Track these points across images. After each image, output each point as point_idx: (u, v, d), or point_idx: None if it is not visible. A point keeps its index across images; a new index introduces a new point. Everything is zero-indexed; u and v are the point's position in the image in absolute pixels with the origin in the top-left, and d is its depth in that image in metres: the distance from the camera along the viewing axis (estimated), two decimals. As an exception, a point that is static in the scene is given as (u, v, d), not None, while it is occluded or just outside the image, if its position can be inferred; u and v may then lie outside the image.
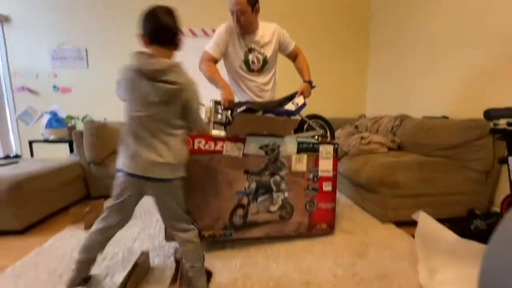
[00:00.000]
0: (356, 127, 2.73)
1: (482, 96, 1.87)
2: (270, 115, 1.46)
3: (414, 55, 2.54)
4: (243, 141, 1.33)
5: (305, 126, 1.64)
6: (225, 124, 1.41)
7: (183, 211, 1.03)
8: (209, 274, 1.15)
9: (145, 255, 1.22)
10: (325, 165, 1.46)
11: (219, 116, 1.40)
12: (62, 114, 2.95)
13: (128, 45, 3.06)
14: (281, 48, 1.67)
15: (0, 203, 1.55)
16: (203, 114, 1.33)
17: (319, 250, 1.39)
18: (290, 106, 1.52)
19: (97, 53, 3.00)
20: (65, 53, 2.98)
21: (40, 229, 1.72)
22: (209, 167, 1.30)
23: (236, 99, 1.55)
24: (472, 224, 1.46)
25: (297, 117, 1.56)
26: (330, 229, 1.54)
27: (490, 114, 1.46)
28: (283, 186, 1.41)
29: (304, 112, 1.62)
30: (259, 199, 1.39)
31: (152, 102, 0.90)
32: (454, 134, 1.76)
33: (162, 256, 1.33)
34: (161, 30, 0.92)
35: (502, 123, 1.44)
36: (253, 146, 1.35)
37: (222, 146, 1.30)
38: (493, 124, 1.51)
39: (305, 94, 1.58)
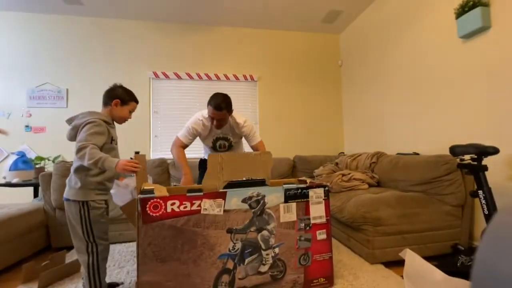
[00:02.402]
0: (337, 164, 2.81)
1: (448, 132, 2.05)
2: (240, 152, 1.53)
3: (381, 99, 2.81)
4: (223, 196, 1.21)
5: None
6: None
7: (83, 236, 1.17)
8: None
9: None
10: (317, 211, 1.35)
11: None
12: (32, 155, 2.76)
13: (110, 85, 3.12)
14: (245, 139, 1.91)
15: None
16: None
17: (308, 299, 1.28)
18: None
19: (78, 93, 2.99)
20: (44, 93, 2.93)
21: (-19, 291, 1.45)
22: (185, 231, 1.15)
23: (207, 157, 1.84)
24: (458, 261, 1.45)
25: None
26: (329, 283, 1.37)
27: (455, 151, 1.58)
28: (272, 241, 1.27)
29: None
30: (246, 260, 1.23)
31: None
32: (425, 170, 1.85)
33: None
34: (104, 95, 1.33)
35: (467, 158, 1.55)
36: (235, 200, 1.22)
37: (200, 205, 1.17)
38: (460, 160, 1.62)
39: None
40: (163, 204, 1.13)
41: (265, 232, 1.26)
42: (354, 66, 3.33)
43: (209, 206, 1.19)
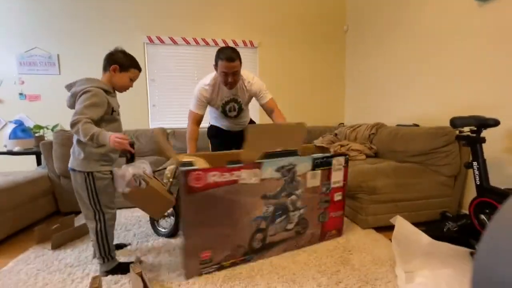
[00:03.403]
0: (336, 135, 2.82)
1: (449, 105, 2.02)
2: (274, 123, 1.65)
3: (387, 67, 2.71)
4: (260, 166, 1.29)
5: None
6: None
7: (90, 205, 1.19)
8: (120, 268, 1.26)
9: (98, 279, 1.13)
10: (337, 177, 1.52)
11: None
12: (30, 123, 2.74)
13: (102, 51, 2.96)
14: (255, 97, 1.77)
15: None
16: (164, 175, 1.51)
17: (303, 259, 1.39)
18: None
19: (70, 59, 2.86)
20: (35, 58, 2.80)
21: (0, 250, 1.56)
22: (225, 199, 1.23)
23: (215, 122, 1.92)
24: (445, 227, 1.54)
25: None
26: (338, 234, 1.61)
27: (455, 123, 1.57)
28: (299, 204, 1.42)
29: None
30: (277, 220, 1.38)
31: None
32: (424, 141, 1.87)
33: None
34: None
35: (466, 130, 1.55)
36: (269, 170, 1.31)
37: (238, 175, 1.24)
38: (459, 132, 1.63)
39: None
40: (204, 175, 1.17)
41: (293, 197, 1.40)
42: (361, 31, 3.14)
43: (246, 176, 1.25)
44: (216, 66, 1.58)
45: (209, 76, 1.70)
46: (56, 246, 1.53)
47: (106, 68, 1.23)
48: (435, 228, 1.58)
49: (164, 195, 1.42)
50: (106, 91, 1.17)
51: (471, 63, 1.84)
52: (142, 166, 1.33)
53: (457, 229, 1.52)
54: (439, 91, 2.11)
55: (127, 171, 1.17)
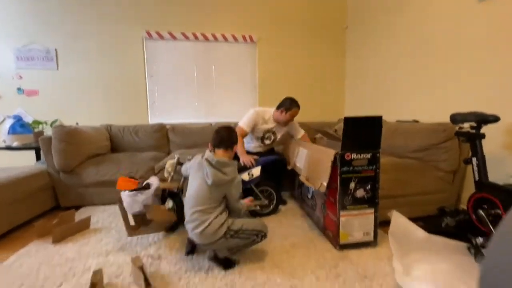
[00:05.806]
0: (336, 130, 2.82)
1: (449, 101, 2.02)
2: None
3: (386, 63, 2.69)
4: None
5: (253, 195, 1.86)
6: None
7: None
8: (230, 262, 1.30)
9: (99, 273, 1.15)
10: None
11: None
12: (28, 119, 2.73)
13: (101, 46, 2.94)
14: (291, 133, 2.26)
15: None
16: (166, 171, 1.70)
17: (302, 253, 1.40)
18: (245, 176, 1.76)
19: (68, 54, 2.83)
20: (32, 53, 2.77)
21: (0, 245, 1.56)
22: None
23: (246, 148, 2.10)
24: (443, 222, 1.56)
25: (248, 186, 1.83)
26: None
27: (455, 118, 1.58)
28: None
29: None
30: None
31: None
32: (424, 137, 1.87)
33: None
34: (221, 140, 1.37)
35: (466, 126, 1.55)
36: None
37: None
38: (458, 128, 1.63)
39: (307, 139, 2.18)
40: None
41: None
42: (361, 28, 3.11)
43: None
44: (287, 110, 2.01)
45: (266, 111, 2.10)
46: (57, 240, 1.54)
47: (228, 147, 1.37)
48: (433, 223, 1.60)
49: (162, 221, 1.54)
50: None
51: (471, 59, 1.83)
52: (151, 193, 1.47)
53: (455, 224, 1.53)
54: (439, 87, 2.10)
55: (144, 195, 1.43)
